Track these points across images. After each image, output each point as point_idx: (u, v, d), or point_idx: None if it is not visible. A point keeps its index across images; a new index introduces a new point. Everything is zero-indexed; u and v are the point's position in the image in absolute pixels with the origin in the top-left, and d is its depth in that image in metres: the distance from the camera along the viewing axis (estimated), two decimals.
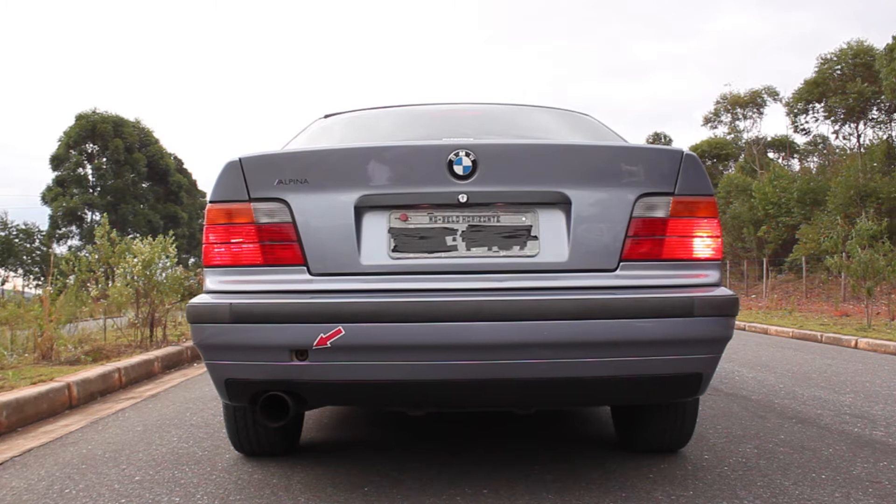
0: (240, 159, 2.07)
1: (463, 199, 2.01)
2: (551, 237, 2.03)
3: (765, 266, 23.64)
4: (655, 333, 1.92)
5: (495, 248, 2.02)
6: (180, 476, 2.37)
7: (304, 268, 2.01)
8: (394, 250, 2.02)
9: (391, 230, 2.03)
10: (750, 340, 8.75)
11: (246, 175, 2.05)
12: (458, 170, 2.00)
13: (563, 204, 2.04)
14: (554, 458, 2.54)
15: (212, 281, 2.08)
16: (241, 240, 2.04)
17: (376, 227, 2.03)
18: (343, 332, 1.87)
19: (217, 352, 1.99)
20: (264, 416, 2.06)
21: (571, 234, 2.02)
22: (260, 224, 2.02)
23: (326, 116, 3.09)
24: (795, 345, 8.12)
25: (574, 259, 2.01)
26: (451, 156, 2.01)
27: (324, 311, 1.91)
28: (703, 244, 2.07)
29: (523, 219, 2.04)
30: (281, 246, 2.02)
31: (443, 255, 2.02)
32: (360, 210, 2.03)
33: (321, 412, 3.45)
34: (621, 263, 2.02)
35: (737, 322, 11.78)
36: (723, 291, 2.02)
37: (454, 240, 2.03)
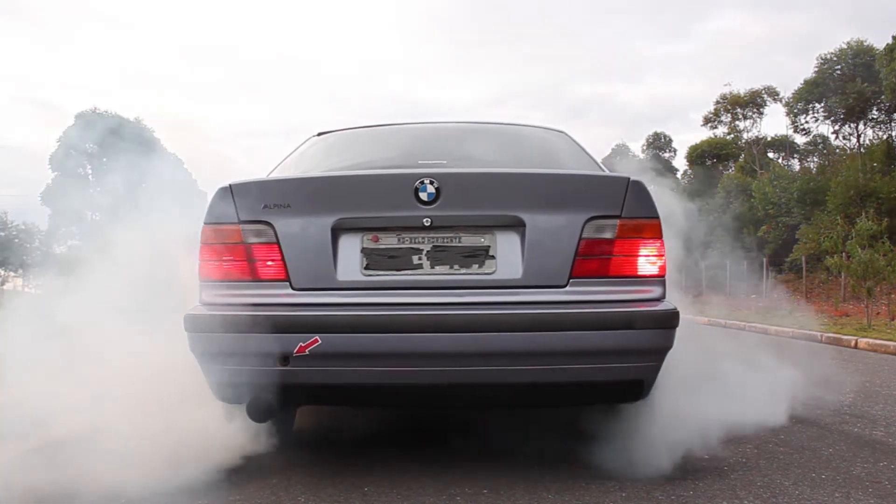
0: (230, 185, 2.27)
1: (427, 222, 2.19)
2: (507, 256, 2.22)
3: (765, 266, 23.63)
4: (600, 344, 2.10)
5: (457, 266, 2.22)
6: (180, 476, 2.37)
7: (287, 283, 2.22)
8: (366, 268, 2.22)
9: (364, 250, 2.23)
10: (750, 341, 8.75)
11: (235, 200, 2.25)
12: (424, 196, 2.19)
13: (518, 226, 2.22)
14: (554, 458, 2.54)
15: (206, 294, 2.28)
16: (231, 258, 2.24)
17: (351, 247, 2.23)
18: (320, 342, 2.07)
19: (210, 357, 2.19)
20: (252, 415, 2.25)
21: (525, 254, 2.20)
22: (248, 244, 2.23)
23: (319, 134, 3.28)
24: (795, 345, 8.12)
25: (527, 276, 2.19)
26: (417, 184, 2.20)
27: (303, 322, 2.12)
28: (648, 262, 2.24)
29: (482, 240, 2.23)
30: (267, 263, 2.22)
31: (409, 272, 2.21)
32: (336, 232, 2.22)
33: (321, 414, 3.45)
34: (571, 280, 2.20)
35: (737, 322, 11.80)
36: (664, 305, 2.19)
37: (420, 259, 2.22)
